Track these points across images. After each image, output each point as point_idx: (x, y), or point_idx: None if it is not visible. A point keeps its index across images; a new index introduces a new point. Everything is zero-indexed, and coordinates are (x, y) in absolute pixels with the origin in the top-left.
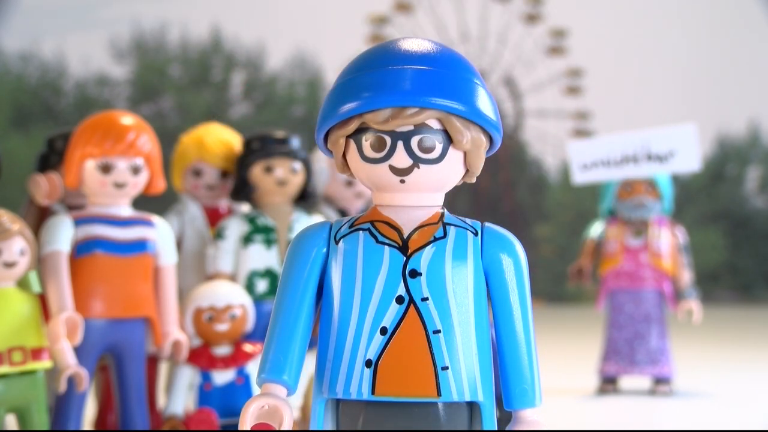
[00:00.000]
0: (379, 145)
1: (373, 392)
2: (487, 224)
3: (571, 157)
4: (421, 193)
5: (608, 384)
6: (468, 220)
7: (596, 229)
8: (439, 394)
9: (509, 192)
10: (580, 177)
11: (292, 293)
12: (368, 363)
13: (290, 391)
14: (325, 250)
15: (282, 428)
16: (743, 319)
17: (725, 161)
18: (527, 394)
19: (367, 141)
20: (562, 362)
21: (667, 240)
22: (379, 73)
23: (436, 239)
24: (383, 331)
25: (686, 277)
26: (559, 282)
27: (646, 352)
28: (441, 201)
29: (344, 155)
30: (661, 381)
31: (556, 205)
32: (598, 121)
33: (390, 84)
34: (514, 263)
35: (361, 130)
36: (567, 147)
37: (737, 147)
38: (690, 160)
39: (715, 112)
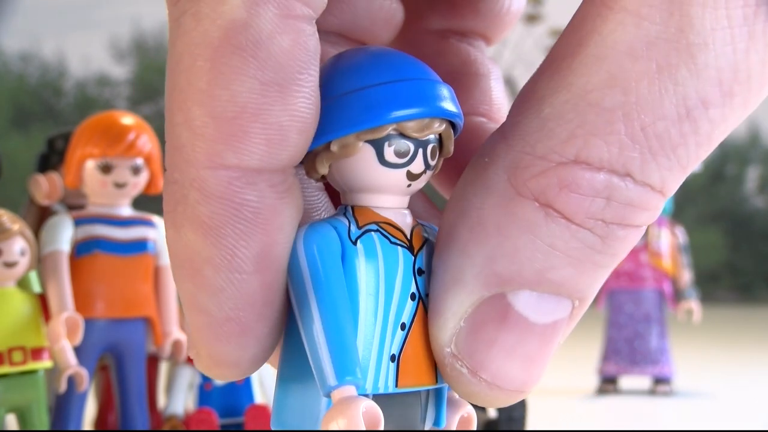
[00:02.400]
0: (404, 152)
1: (396, 385)
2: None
3: None
4: (408, 197)
5: (608, 384)
6: (425, 222)
7: None
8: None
9: None
10: None
11: (335, 292)
12: (392, 357)
13: (360, 390)
14: (340, 249)
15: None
16: (743, 319)
17: (725, 161)
18: None
19: (391, 147)
20: (562, 362)
21: (667, 240)
22: (417, 84)
23: (426, 240)
24: (402, 326)
25: (686, 277)
26: None
27: (646, 352)
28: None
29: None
30: (661, 381)
31: None
32: None
33: (430, 95)
34: None
35: (387, 135)
36: None
37: (737, 147)
38: None
39: None
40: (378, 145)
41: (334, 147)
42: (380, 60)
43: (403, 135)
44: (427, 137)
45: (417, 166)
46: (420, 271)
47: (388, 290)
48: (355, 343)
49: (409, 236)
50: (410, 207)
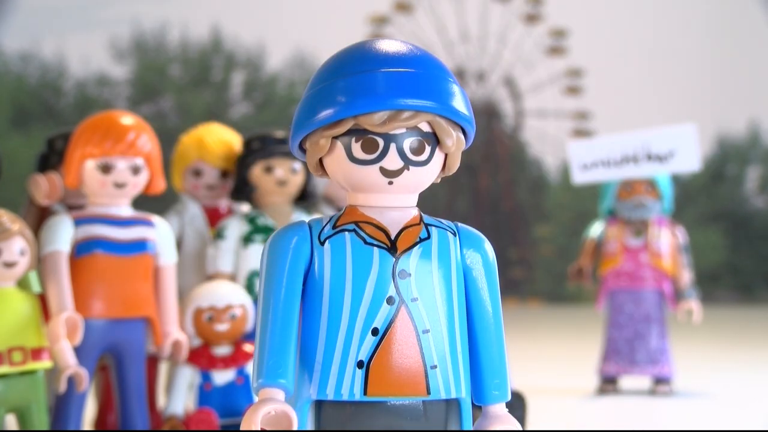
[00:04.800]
0: (371, 147)
1: (365, 393)
2: (460, 224)
3: (571, 157)
4: (404, 195)
5: (608, 384)
6: (443, 221)
7: (596, 229)
8: (428, 392)
9: (509, 192)
10: (580, 177)
11: (282, 294)
12: (360, 364)
13: (288, 395)
14: (308, 250)
15: None
16: (743, 319)
17: (725, 161)
18: (500, 388)
19: (357, 142)
20: (562, 362)
21: (667, 240)
22: (374, 75)
23: (421, 240)
24: (375, 332)
25: (686, 277)
26: (559, 282)
27: (646, 352)
28: (416, 201)
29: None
30: (661, 381)
31: (556, 205)
32: (598, 121)
33: (387, 87)
34: (490, 263)
35: (350, 131)
36: (567, 147)
37: (737, 147)
38: (690, 160)
39: (715, 112)
40: (345, 142)
41: (306, 144)
42: (353, 52)
43: (366, 130)
44: (398, 131)
45: (390, 162)
46: (403, 274)
47: (356, 293)
48: (289, 348)
49: (393, 236)
50: None
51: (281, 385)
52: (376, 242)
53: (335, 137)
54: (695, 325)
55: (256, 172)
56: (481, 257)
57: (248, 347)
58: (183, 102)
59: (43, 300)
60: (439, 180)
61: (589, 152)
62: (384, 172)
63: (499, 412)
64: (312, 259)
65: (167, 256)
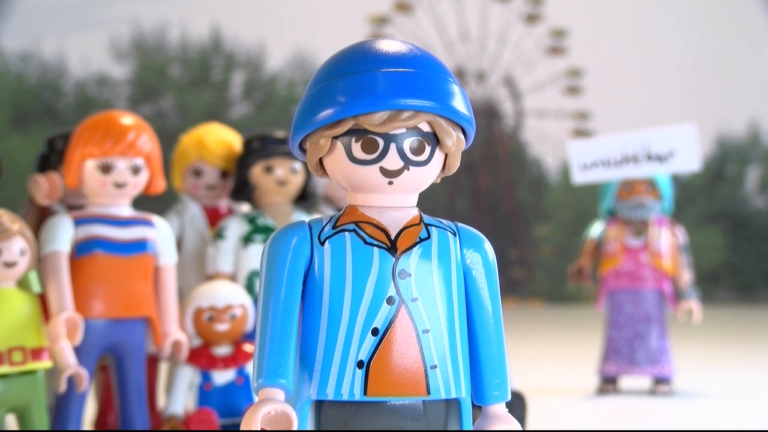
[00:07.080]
0: (371, 147)
1: (365, 393)
2: (460, 224)
3: (571, 157)
4: (404, 195)
5: (608, 384)
6: (443, 221)
7: (596, 229)
8: (428, 392)
9: (509, 192)
10: (580, 177)
11: (282, 294)
12: (360, 364)
13: (288, 395)
14: (308, 250)
15: None
16: (743, 319)
17: (725, 161)
18: (500, 388)
19: (357, 142)
20: (562, 362)
21: (667, 240)
22: (374, 75)
23: (421, 240)
24: (375, 332)
25: (686, 277)
26: (559, 282)
27: (646, 352)
28: (416, 201)
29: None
30: (661, 381)
31: (556, 205)
32: (598, 121)
33: (387, 87)
34: (490, 263)
35: (350, 131)
36: (567, 147)
37: (737, 147)
38: (690, 160)
39: (715, 112)
40: (345, 142)
41: (306, 144)
42: (353, 52)
43: (366, 130)
44: (398, 131)
45: (391, 162)
46: (403, 274)
47: (356, 293)
48: (289, 348)
49: (393, 236)
50: None
51: (281, 385)
52: (376, 242)
53: (335, 137)
54: (695, 325)
55: (256, 172)
56: (481, 257)
57: (248, 347)
58: (183, 102)
59: (43, 300)
60: (439, 180)
61: (589, 152)
62: (384, 172)
63: (499, 412)
64: (312, 259)
65: (167, 256)
